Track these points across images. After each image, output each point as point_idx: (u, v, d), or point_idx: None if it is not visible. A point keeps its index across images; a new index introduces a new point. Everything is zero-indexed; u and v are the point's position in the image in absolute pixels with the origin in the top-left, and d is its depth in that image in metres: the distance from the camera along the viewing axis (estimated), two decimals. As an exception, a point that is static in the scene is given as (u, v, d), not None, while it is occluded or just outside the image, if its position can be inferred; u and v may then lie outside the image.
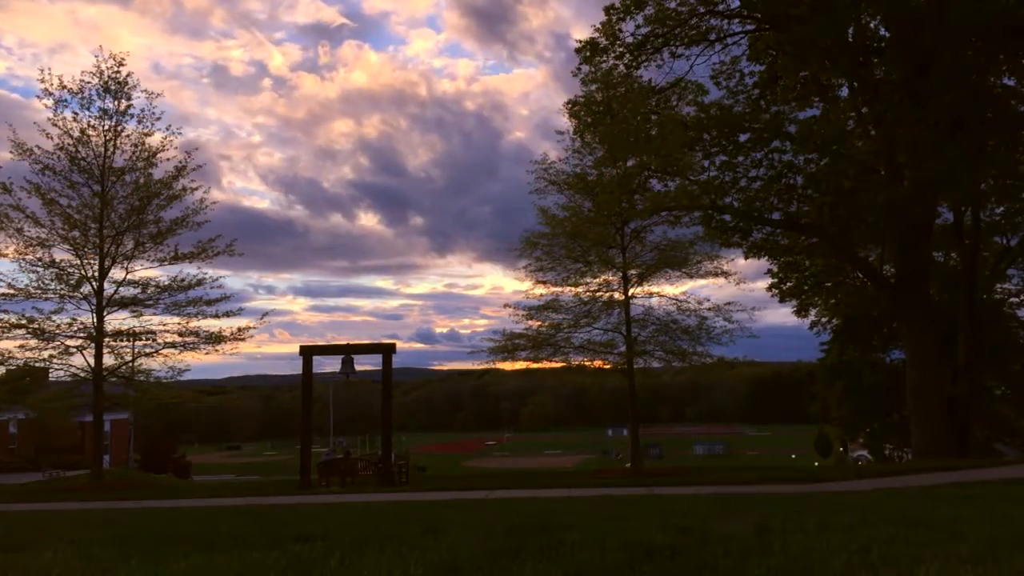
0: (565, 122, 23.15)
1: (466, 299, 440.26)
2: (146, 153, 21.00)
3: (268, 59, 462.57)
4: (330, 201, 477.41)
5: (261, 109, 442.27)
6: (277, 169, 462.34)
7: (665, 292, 20.96)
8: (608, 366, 20.97)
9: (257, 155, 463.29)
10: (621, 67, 24.57)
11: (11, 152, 20.00)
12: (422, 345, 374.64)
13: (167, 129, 21.18)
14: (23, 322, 19.63)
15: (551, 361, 21.39)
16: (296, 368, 20.52)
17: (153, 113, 21.12)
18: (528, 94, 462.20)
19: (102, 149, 20.72)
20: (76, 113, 20.34)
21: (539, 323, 20.97)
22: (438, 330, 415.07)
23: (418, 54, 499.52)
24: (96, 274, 20.53)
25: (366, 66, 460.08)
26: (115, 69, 20.68)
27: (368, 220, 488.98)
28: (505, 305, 21.54)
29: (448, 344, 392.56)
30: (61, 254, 20.47)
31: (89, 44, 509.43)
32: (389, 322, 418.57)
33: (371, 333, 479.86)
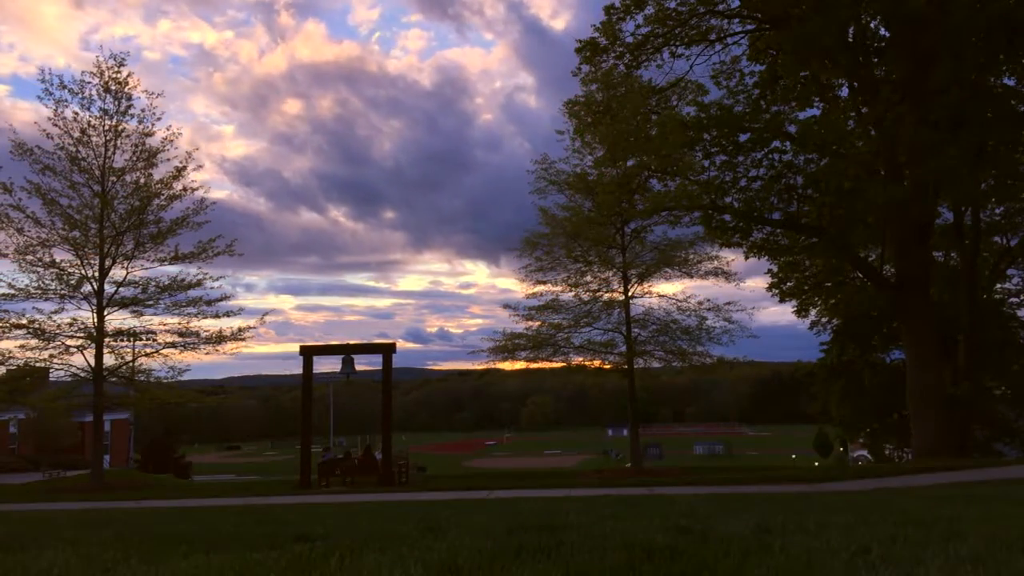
0: (531, 101, 23.13)
1: (453, 297, 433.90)
2: (146, 153, 21.03)
3: (203, 38, 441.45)
4: (294, 193, 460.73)
5: (207, 90, 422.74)
6: (232, 158, 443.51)
7: (665, 292, 21.01)
8: (608, 366, 21.00)
9: (205, 141, 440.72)
10: (621, 67, 24.57)
11: (11, 152, 20.02)
12: (415, 344, 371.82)
13: (168, 129, 21.25)
14: (23, 322, 19.65)
15: (551, 361, 21.42)
16: (293, 368, 20.55)
17: (153, 113, 21.18)
18: (489, 71, 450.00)
19: (102, 149, 20.74)
20: (76, 113, 20.37)
21: (539, 323, 21.01)
22: (429, 329, 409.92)
23: (363, 23, 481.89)
24: (96, 274, 20.54)
25: (309, 40, 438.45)
26: (115, 69, 20.71)
27: (337, 214, 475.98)
28: (505, 305, 21.59)
29: (441, 344, 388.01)
30: (61, 254, 20.51)
31: (9, 23, 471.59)
32: (378, 321, 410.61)
33: (361, 333, 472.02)
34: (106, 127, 20.69)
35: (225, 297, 21.26)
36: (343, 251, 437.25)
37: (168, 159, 21.24)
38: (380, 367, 20.23)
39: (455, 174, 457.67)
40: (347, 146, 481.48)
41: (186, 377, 21.76)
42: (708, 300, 20.65)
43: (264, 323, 22.55)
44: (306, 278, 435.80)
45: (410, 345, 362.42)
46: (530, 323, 20.92)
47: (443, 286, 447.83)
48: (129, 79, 20.87)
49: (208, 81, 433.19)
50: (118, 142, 20.88)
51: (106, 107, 20.64)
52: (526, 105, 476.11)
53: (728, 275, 20.84)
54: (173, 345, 20.86)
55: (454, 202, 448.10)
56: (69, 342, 20.15)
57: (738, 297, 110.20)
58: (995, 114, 21.78)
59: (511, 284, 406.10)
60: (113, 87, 20.65)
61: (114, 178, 20.84)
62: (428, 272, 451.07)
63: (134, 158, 20.99)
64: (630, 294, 20.33)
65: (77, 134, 20.34)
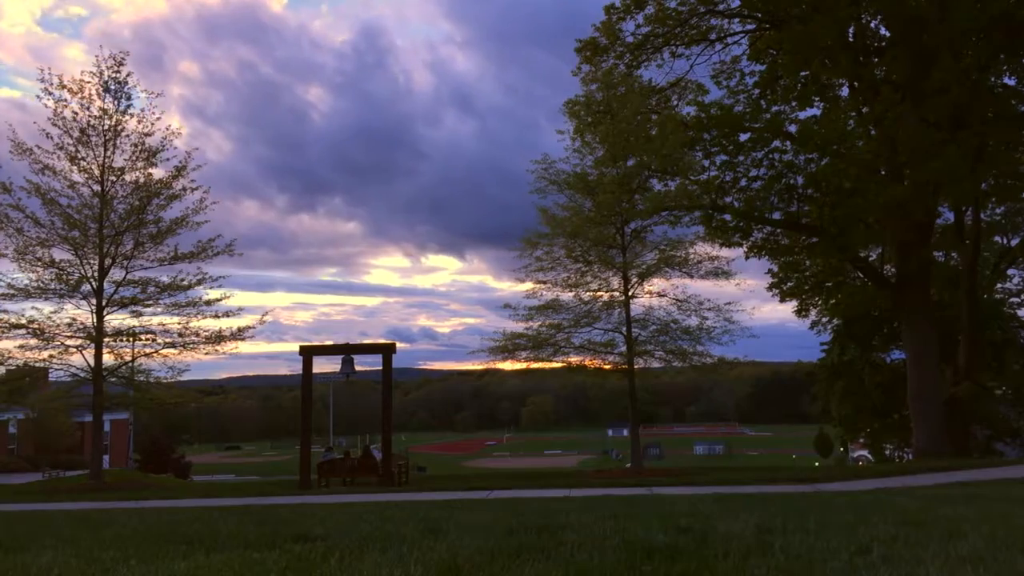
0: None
1: (427, 294, 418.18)
2: (146, 152, 21.02)
3: None
4: (227, 178, 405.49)
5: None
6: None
7: (665, 292, 20.99)
8: (608, 366, 20.99)
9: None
10: (621, 67, 24.57)
11: (11, 152, 20.02)
12: (401, 344, 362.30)
13: (168, 129, 21.24)
14: (23, 322, 19.64)
15: (551, 361, 21.42)
16: (293, 368, 20.58)
17: (153, 113, 21.16)
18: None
19: (102, 149, 20.73)
20: (76, 113, 20.36)
21: (539, 323, 20.98)
22: (412, 328, 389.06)
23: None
24: (96, 274, 20.53)
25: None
26: (115, 69, 20.70)
27: (281, 203, 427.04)
28: (505, 305, 21.56)
29: (427, 343, 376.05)
30: (61, 254, 20.49)
31: None
32: (361, 320, 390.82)
33: (346, 333, 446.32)
34: (105, 127, 20.68)
35: (225, 297, 21.27)
36: (296, 244, 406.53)
37: (168, 159, 21.25)
38: (379, 367, 20.25)
39: (400, 156, 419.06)
40: (270, 121, 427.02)
41: (186, 377, 21.77)
42: (708, 300, 20.66)
43: (264, 323, 22.56)
44: (268, 274, 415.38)
45: (400, 345, 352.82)
46: (529, 323, 20.91)
47: (414, 282, 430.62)
48: (129, 78, 20.89)
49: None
50: (117, 141, 20.87)
51: (106, 106, 20.64)
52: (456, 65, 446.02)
53: (728, 275, 20.83)
54: (172, 345, 20.85)
55: (406, 188, 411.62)
56: (68, 342, 20.15)
57: (738, 297, 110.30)
58: (995, 114, 21.78)
59: (487, 280, 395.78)
60: (112, 87, 20.65)
61: (113, 178, 20.83)
62: (394, 268, 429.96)
63: (134, 157, 20.98)
64: (630, 294, 20.33)
65: (77, 134, 20.33)
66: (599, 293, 20.89)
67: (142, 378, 21.20)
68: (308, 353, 20.04)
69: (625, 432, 74.26)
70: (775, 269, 27.23)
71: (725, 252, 22.66)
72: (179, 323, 20.95)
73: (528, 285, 21.30)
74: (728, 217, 23.42)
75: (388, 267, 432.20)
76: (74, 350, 20.28)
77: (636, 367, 20.16)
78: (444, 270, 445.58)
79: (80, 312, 20.47)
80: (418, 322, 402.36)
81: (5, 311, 19.90)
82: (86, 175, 20.53)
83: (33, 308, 20.04)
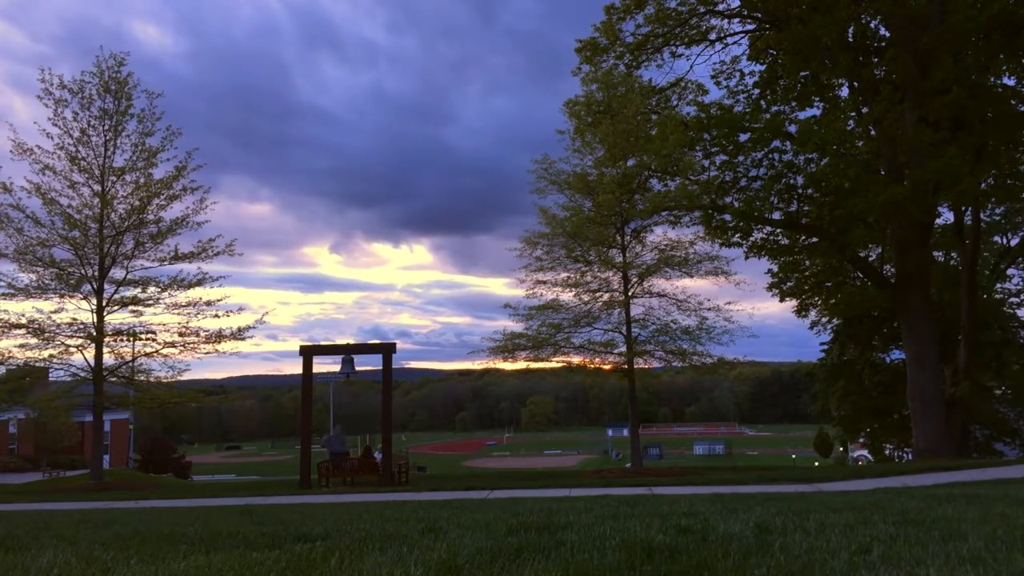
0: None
1: (378, 288, 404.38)
2: (146, 153, 21.03)
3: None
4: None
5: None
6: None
7: (665, 292, 20.99)
8: (608, 366, 20.99)
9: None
10: (621, 67, 24.59)
11: (11, 151, 20.04)
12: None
13: (168, 129, 21.24)
14: (23, 322, 19.66)
15: (551, 361, 21.42)
16: (292, 368, 20.60)
17: (154, 113, 21.17)
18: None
19: (102, 149, 20.74)
20: (76, 113, 20.37)
21: (539, 323, 20.96)
22: (385, 327, 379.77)
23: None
24: (96, 274, 20.54)
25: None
26: (115, 69, 20.71)
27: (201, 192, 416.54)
28: (505, 305, 21.56)
29: (403, 341, 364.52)
30: (61, 254, 20.51)
31: None
32: (337, 320, 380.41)
33: (323, 334, 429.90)
34: (106, 127, 20.69)
35: (225, 297, 21.29)
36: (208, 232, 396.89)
37: (168, 159, 21.26)
38: (377, 367, 20.26)
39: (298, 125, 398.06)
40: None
41: (186, 377, 21.80)
42: (708, 300, 20.67)
43: (264, 322, 22.59)
44: (215, 270, 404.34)
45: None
46: (529, 323, 20.91)
47: (355, 276, 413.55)
48: (129, 78, 20.89)
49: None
50: (118, 141, 20.89)
51: (106, 106, 20.65)
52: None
53: (728, 275, 20.84)
54: (173, 344, 20.87)
55: (313, 162, 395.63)
56: (69, 342, 20.17)
57: (738, 296, 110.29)
58: (995, 114, 21.78)
59: (438, 275, 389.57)
60: (113, 86, 20.65)
61: (114, 178, 20.85)
62: (328, 261, 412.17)
63: (134, 157, 20.99)
64: (630, 294, 20.33)
65: (77, 134, 20.34)
66: (599, 293, 20.90)
67: (142, 378, 21.22)
68: (308, 353, 20.04)
69: (625, 432, 74.29)
70: (775, 269, 27.24)
71: (725, 252, 22.69)
72: (179, 323, 20.99)
73: (528, 285, 21.20)
74: (728, 217, 23.42)
75: (349, 262, 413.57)
76: (74, 350, 20.31)
77: (636, 367, 20.16)
78: (389, 262, 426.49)
79: (80, 312, 20.51)
80: (380, 321, 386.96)
81: (5, 311, 19.93)
82: (86, 175, 20.54)
83: (34, 308, 20.07)
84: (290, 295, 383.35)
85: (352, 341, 22.10)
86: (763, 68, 25.04)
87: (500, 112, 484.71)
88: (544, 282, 21.07)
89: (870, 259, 26.83)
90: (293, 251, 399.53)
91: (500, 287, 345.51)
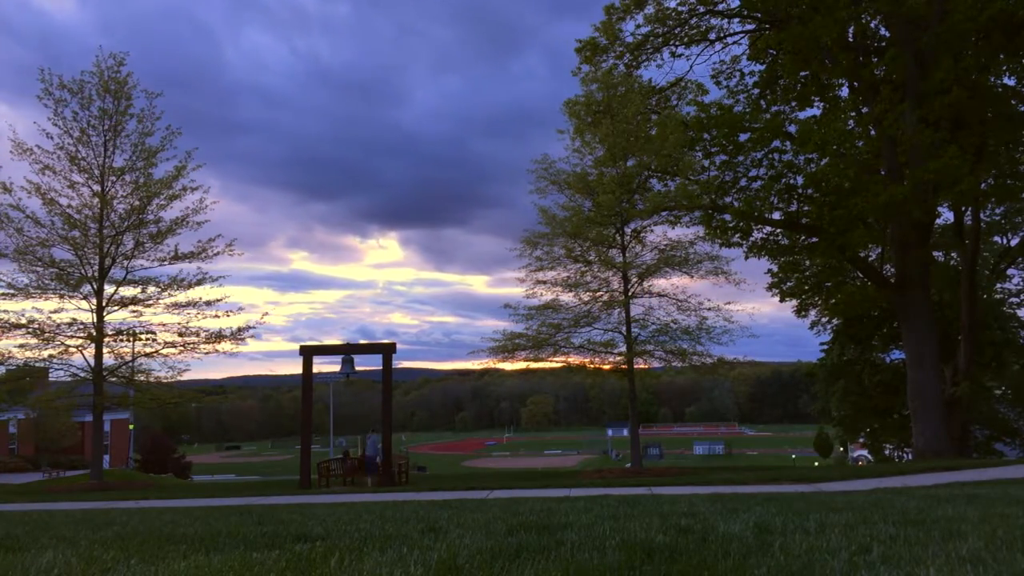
0: None
1: (355, 285, 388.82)
2: (146, 153, 21.03)
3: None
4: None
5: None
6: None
7: (665, 292, 20.99)
8: (608, 366, 20.99)
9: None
10: (621, 67, 24.58)
11: (11, 151, 20.04)
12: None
13: (168, 129, 21.24)
14: (23, 322, 19.65)
15: (551, 360, 21.42)
16: (292, 368, 20.62)
17: (153, 113, 21.17)
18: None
19: (102, 149, 20.74)
20: (76, 113, 20.36)
21: (539, 323, 20.95)
22: (375, 327, 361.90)
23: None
24: (96, 274, 20.54)
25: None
26: (115, 69, 20.71)
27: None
28: (505, 305, 21.56)
29: (394, 341, 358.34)
30: (61, 254, 20.52)
31: None
32: (327, 319, 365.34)
33: (308, 334, 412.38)
34: (105, 127, 20.69)
35: (225, 297, 21.29)
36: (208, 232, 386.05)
37: (167, 159, 21.26)
38: (377, 367, 20.26)
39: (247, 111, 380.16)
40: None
41: (186, 377, 21.82)
42: (708, 300, 20.67)
43: (264, 322, 22.59)
44: (178, 270, 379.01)
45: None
46: (529, 323, 20.90)
47: (331, 272, 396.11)
48: (128, 78, 20.88)
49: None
50: (117, 141, 20.89)
51: (105, 107, 20.64)
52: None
53: (728, 275, 20.84)
54: (172, 345, 20.87)
55: (267, 150, 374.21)
56: (69, 342, 20.17)
57: (738, 296, 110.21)
58: (995, 114, 21.78)
59: (415, 273, 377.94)
60: (112, 87, 20.65)
61: (114, 178, 20.85)
62: (297, 256, 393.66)
63: (133, 157, 20.99)
64: (630, 294, 20.32)
65: (77, 134, 20.34)
66: (599, 293, 20.90)
67: (142, 378, 21.22)
68: (308, 353, 20.05)
69: (625, 432, 74.23)
70: (775, 269, 27.23)
71: (725, 252, 22.69)
72: (179, 323, 20.99)
73: (528, 285, 21.19)
74: (728, 217, 23.41)
75: (328, 259, 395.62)
76: (74, 350, 20.31)
77: (636, 367, 20.16)
78: (363, 257, 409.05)
79: (80, 312, 20.51)
80: (364, 320, 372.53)
81: (5, 311, 19.93)
82: (86, 175, 20.53)
83: (34, 308, 20.07)
84: (264, 293, 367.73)
85: (340, 341, 22.06)
86: (763, 68, 25.03)
87: (452, 93, 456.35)
88: (544, 282, 21.08)
89: (870, 259, 26.81)
90: (260, 248, 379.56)
91: (482, 285, 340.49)
